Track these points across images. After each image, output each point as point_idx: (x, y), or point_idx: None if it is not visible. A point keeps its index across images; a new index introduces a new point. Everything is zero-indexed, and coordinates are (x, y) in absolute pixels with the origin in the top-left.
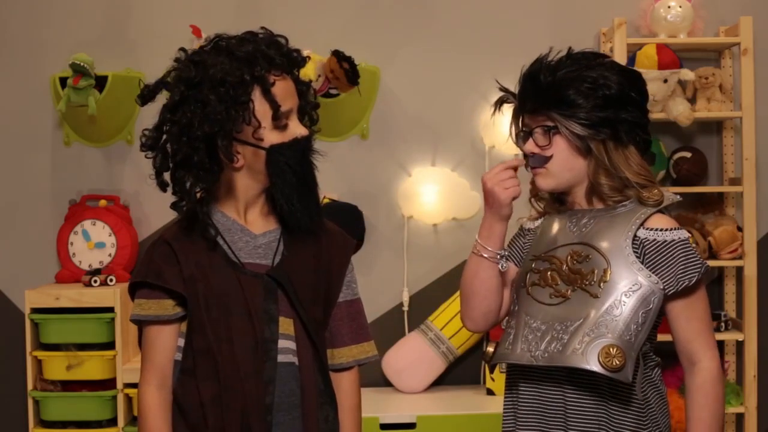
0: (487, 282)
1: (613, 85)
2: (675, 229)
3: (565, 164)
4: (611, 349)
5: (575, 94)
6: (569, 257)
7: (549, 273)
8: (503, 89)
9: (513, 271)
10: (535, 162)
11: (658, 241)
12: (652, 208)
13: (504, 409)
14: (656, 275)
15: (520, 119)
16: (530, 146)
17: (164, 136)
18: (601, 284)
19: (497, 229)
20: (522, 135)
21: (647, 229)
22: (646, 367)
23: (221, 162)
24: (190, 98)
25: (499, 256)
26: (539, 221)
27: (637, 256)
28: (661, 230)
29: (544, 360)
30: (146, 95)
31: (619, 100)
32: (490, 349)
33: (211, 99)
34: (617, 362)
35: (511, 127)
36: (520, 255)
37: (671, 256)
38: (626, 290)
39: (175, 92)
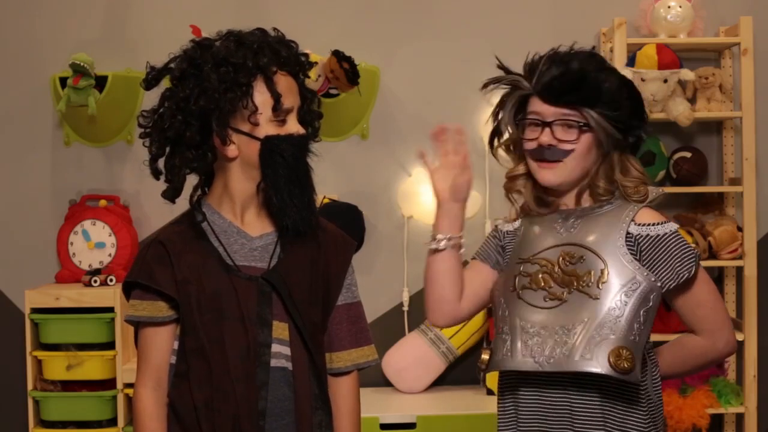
0: (450, 272)
1: (636, 96)
2: (665, 222)
3: (580, 162)
4: (622, 351)
5: (619, 97)
6: (561, 259)
7: (540, 275)
8: (508, 71)
9: (486, 270)
10: (551, 155)
11: (652, 236)
12: (639, 204)
13: (501, 415)
14: (653, 271)
15: (526, 105)
16: (547, 137)
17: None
18: (600, 285)
19: (455, 211)
20: (539, 123)
21: (638, 224)
22: (650, 364)
23: (215, 149)
24: (190, 75)
25: (461, 239)
26: (518, 223)
27: (632, 254)
28: (653, 225)
29: (551, 366)
30: (151, 79)
31: (639, 110)
32: (485, 356)
33: (211, 77)
34: (627, 364)
35: (506, 110)
36: (494, 256)
37: (666, 250)
38: (626, 290)
39: (175, 70)
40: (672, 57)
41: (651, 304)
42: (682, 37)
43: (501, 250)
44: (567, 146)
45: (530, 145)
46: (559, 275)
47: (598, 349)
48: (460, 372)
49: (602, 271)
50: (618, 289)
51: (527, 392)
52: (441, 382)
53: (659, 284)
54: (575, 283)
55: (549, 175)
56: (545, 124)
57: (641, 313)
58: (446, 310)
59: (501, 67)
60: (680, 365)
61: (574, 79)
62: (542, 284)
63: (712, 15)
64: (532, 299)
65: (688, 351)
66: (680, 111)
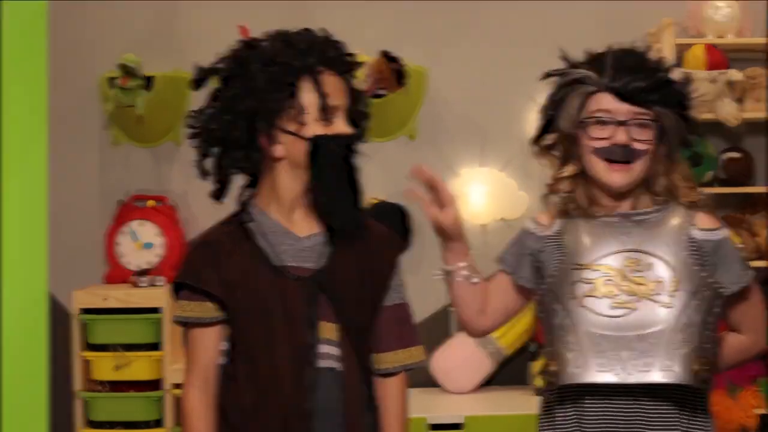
0: (462, 298)
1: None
2: (722, 227)
3: (647, 164)
4: (702, 361)
5: (688, 99)
6: (626, 266)
7: (604, 282)
8: (574, 64)
9: (507, 284)
10: (626, 155)
11: (714, 241)
12: (693, 208)
13: (558, 424)
14: (715, 276)
15: (584, 103)
16: (624, 136)
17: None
18: (671, 293)
19: (455, 247)
20: (611, 122)
21: (701, 229)
22: None
23: (262, 149)
24: (237, 75)
25: (465, 269)
26: (556, 226)
27: (697, 260)
28: (714, 230)
29: (634, 378)
30: (198, 80)
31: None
32: (554, 368)
33: (258, 77)
34: (707, 374)
35: (569, 106)
36: (521, 269)
37: (727, 255)
38: (696, 298)
39: (223, 70)
40: (720, 57)
41: (717, 310)
42: (731, 38)
43: (534, 257)
44: (642, 146)
45: (600, 144)
46: (625, 283)
47: (678, 360)
48: (508, 372)
49: (672, 280)
50: (689, 298)
51: (594, 402)
52: (489, 382)
53: (722, 290)
54: (645, 291)
55: (618, 177)
56: (620, 123)
57: (709, 320)
58: (469, 328)
59: (565, 58)
60: (723, 362)
61: (656, 78)
62: (606, 292)
63: (760, 15)
64: (597, 307)
65: (732, 349)
66: (728, 111)
